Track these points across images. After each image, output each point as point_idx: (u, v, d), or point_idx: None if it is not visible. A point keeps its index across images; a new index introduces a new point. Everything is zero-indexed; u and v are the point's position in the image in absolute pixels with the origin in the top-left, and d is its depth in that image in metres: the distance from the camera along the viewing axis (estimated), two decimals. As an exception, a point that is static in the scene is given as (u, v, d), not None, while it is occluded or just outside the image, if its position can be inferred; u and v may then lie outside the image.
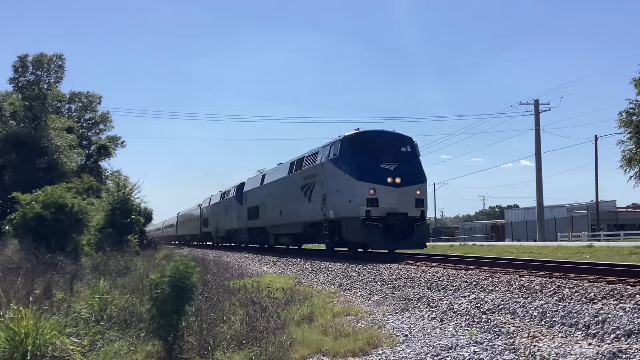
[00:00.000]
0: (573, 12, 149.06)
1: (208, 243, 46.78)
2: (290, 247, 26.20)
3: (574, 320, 6.25)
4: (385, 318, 7.70)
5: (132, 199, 21.76)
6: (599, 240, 33.47)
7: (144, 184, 40.54)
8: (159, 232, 74.23)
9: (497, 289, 8.70)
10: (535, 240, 40.77)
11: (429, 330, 6.65)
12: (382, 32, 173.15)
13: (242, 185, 32.23)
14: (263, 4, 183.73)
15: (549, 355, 5.15)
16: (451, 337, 6.13)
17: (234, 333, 6.51)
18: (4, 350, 5.22)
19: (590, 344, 5.48)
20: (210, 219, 41.44)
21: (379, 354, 5.78)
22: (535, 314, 6.81)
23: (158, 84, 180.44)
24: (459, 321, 7.00)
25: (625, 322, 5.74)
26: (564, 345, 5.44)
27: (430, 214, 49.46)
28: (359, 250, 18.40)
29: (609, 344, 5.38)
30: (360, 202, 16.37)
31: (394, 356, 5.65)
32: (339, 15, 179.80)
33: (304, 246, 25.73)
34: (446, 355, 5.48)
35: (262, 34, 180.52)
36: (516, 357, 5.24)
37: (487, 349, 5.51)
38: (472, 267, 11.85)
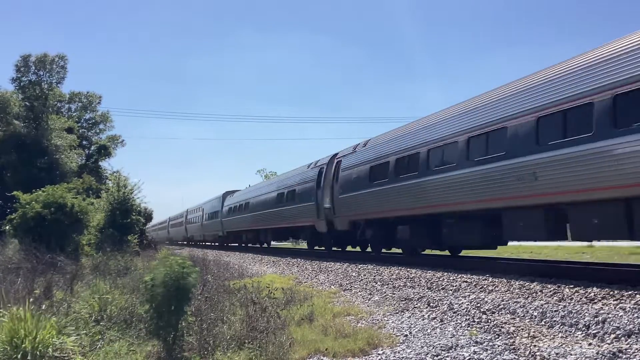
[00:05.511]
0: (574, 9, 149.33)
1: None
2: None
3: (574, 320, 6.25)
4: (386, 318, 7.70)
5: (132, 199, 21.71)
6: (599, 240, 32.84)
7: (144, 184, 39.14)
8: (178, 228, 55.84)
9: (497, 289, 8.70)
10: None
11: (429, 330, 6.65)
12: (382, 33, 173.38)
13: None
14: (263, 4, 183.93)
15: (549, 355, 5.15)
16: (451, 337, 6.12)
17: (234, 333, 6.51)
18: (4, 350, 5.21)
19: (590, 344, 5.48)
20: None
21: (379, 354, 5.77)
22: (536, 314, 6.80)
23: (158, 84, 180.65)
24: (459, 321, 7.00)
25: (625, 322, 5.74)
26: (564, 345, 5.44)
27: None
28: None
29: (609, 344, 5.38)
30: None
31: (394, 356, 5.65)
32: (339, 15, 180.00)
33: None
34: (446, 355, 5.48)
35: (261, 34, 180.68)
36: (516, 357, 5.23)
37: (487, 349, 5.51)
38: (472, 267, 11.85)
